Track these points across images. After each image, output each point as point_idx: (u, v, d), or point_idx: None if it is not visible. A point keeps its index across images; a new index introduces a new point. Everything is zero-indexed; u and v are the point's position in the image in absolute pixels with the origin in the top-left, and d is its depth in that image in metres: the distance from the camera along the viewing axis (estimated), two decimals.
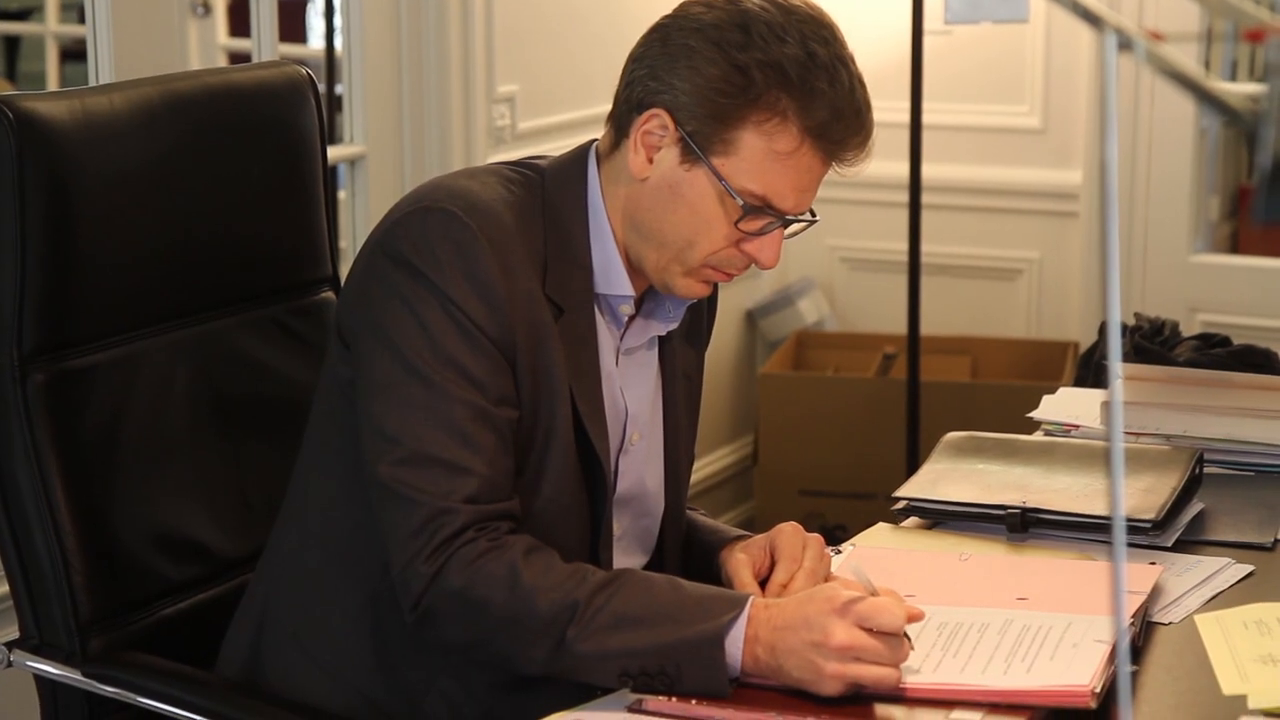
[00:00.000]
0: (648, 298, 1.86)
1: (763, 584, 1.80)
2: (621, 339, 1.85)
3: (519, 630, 1.66)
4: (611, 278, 1.80)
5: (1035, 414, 2.37)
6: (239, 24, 4.82)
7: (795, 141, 1.71)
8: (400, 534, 1.68)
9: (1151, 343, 2.55)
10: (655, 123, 1.74)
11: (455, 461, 1.68)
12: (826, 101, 1.70)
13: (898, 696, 1.59)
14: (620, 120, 1.78)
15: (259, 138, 2.07)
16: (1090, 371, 2.57)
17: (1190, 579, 1.88)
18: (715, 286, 1.87)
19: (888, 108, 4.00)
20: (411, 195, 1.79)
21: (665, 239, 1.76)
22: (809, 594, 1.66)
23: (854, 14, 4.29)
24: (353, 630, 1.81)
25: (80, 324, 1.89)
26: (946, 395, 3.96)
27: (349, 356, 1.77)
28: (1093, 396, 2.40)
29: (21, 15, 6.19)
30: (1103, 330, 2.65)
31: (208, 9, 4.85)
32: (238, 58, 4.78)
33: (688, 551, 1.95)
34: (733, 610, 1.62)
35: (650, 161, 1.75)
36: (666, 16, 1.78)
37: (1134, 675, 1.66)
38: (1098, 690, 1.56)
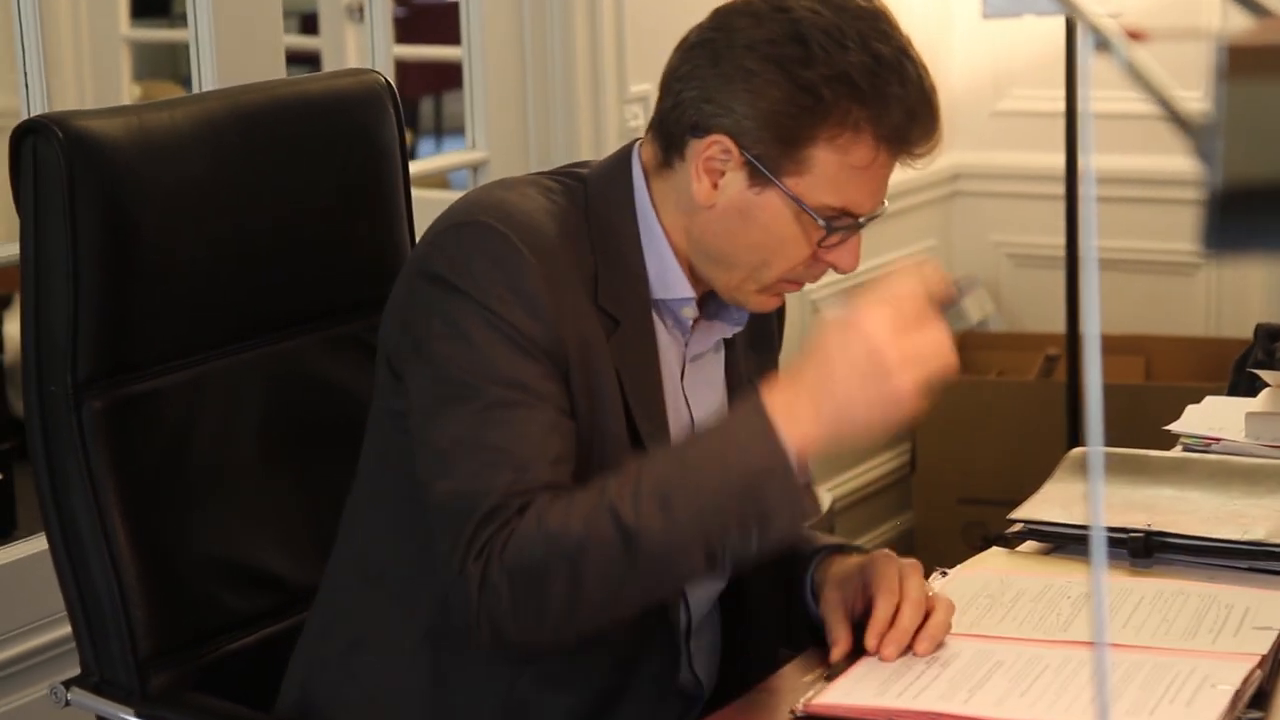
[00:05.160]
0: (711, 299, 1.75)
1: (860, 621, 1.69)
2: (687, 345, 1.74)
3: (576, 565, 1.52)
4: (669, 281, 1.70)
5: (1174, 426, 2.20)
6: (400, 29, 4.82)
7: (872, 152, 1.62)
8: (456, 546, 1.56)
9: None
10: (717, 149, 1.64)
11: (515, 470, 1.56)
12: (900, 105, 1.61)
13: None
14: (672, 139, 1.68)
15: (334, 149, 1.99)
16: (1243, 377, 2.38)
17: None
18: None
19: (1054, 97, 3.83)
20: (446, 212, 1.69)
21: (738, 261, 1.68)
22: (832, 349, 1.52)
23: None
24: (410, 666, 1.71)
25: (140, 348, 1.82)
26: (1115, 398, 3.72)
27: (400, 389, 1.68)
28: (1240, 406, 2.21)
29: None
30: (1257, 333, 2.45)
31: (363, 14, 4.85)
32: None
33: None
34: (762, 422, 1.51)
35: (715, 187, 1.65)
36: (708, 30, 1.67)
37: None
38: None
